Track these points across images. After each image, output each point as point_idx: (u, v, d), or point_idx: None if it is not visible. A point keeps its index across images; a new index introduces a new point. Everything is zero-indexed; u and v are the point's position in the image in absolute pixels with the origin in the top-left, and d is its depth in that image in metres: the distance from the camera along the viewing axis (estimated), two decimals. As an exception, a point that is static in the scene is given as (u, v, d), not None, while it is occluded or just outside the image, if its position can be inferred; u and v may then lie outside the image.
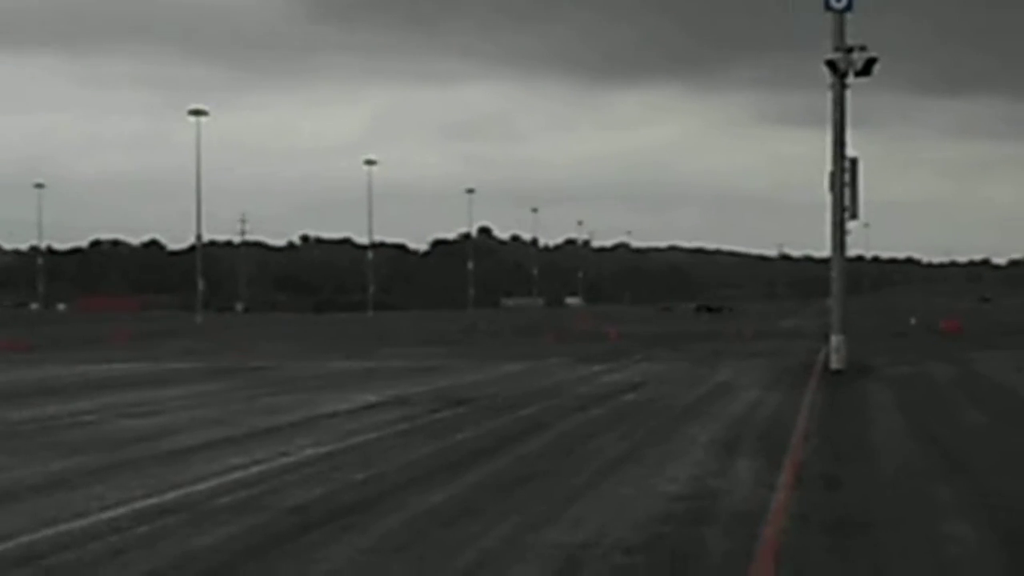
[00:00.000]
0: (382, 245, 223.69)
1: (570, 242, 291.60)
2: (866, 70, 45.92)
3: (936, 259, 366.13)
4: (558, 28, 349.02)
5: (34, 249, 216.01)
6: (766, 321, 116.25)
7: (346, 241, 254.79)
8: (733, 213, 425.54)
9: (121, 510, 17.38)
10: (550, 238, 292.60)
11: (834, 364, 46.42)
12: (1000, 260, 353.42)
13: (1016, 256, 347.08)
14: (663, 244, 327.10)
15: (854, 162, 47.26)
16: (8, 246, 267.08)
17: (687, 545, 15.17)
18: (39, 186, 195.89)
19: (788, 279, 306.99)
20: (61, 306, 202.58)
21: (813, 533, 15.77)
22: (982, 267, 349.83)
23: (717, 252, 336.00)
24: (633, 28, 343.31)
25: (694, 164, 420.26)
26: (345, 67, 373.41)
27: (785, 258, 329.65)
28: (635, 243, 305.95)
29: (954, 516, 16.95)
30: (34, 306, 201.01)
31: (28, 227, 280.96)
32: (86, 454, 23.43)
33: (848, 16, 46.10)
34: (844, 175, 46.97)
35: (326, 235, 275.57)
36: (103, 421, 29.71)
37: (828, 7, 46.10)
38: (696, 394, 36.58)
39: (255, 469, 21.28)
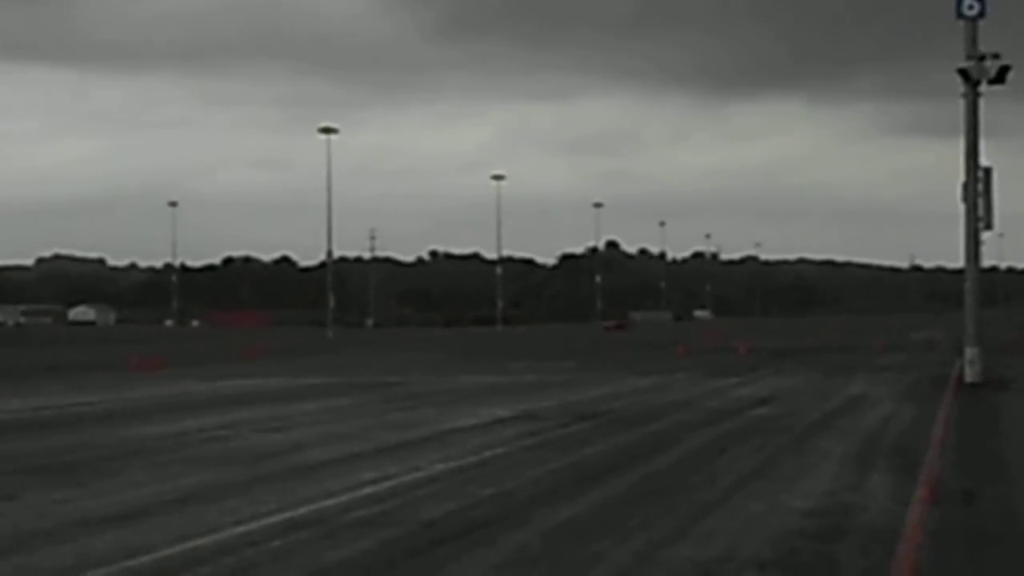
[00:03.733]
0: (510, 260, 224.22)
1: (698, 255, 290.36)
2: (1000, 78, 45.19)
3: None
4: (674, 41, 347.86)
5: (168, 266, 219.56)
6: (897, 333, 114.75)
7: (474, 256, 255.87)
8: (863, 224, 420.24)
9: (254, 524, 17.54)
10: (678, 251, 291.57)
11: (969, 377, 45.65)
12: None
13: None
14: (792, 256, 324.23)
15: (988, 172, 46.53)
16: (143, 263, 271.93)
17: (821, 562, 14.99)
18: (173, 204, 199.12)
19: (920, 291, 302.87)
20: (195, 322, 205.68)
21: (951, 550, 15.49)
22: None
23: (847, 264, 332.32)
24: (753, 39, 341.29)
25: (821, 175, 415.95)
26: (467, 84, 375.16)
27: (917, 269, 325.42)
28: (764, 256, 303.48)
29: (1096, 532, 16.56)
30: (168, 322, 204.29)
31: (162, 245, 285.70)
32: (220, 469, 23.70)
33: (980, 23, 45.41)
34: (978, 185, 46.27)
35: (455, 250, 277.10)
36: (236, 436, 30.04)
37: (960, 14, 45.44)
38: (827, 408, 36.19)
39: (386, 484, 21.38)
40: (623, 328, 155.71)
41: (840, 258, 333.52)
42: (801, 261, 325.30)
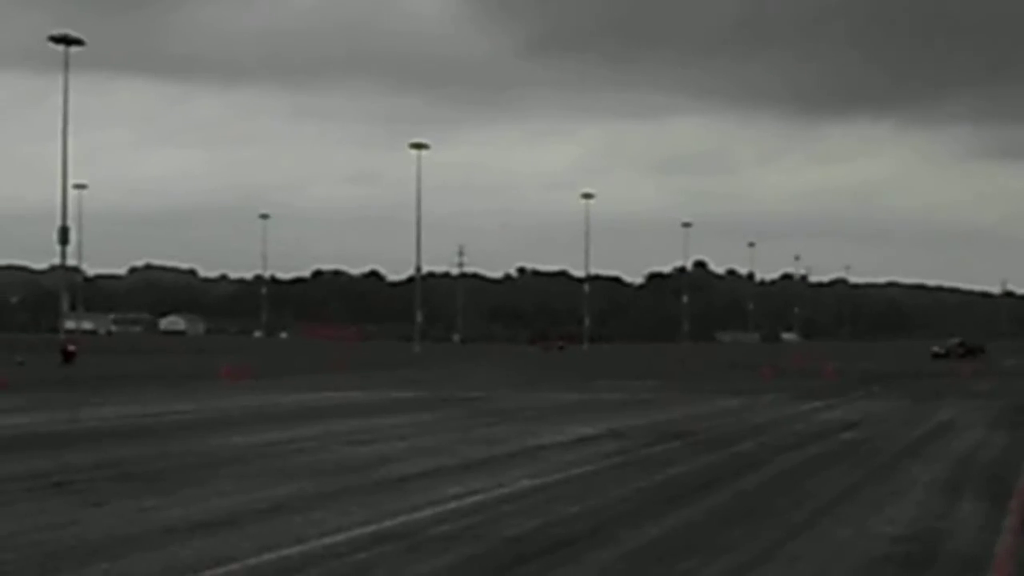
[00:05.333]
0: (597, 278, 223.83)
1: (787, 277, 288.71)
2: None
3: None
4: (766, 62, 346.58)
5: (258, 278, 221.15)
6: (987, 359, 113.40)
7: (562, 274, 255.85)
8: (954, 249, 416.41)
9: (340, 536, 17.63)
10: (766, 272, 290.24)
11: (1062, 405, 45.04)
12: None
13: None
14: (882, 280, 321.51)
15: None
16: (233, 275, 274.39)
17: (908, 588, 14.83)
18: (264, 217, 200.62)
19: (1012, 317, 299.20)
20: (283, 334, 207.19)
21: (1041, 579, 15.29)
22: None
23: (938, 288, 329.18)
24: (845, 61, 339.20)
25: (913, 198, 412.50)
26: (557, 102, 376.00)
27: (1009, 295, 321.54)
28: (853, 278, 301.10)
29: None
30: (257, 334, 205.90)
31: (253, 257, 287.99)
32: (307, 480, 23.84)
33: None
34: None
35: (542, 267, 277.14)
36: (323, 448, 30.21)
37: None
38: (916, 433, 35.84)
39: (471, 499, 21.42)
40: (549, 349, 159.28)
41: (931, 282, 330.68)
42: (891, 285, 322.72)
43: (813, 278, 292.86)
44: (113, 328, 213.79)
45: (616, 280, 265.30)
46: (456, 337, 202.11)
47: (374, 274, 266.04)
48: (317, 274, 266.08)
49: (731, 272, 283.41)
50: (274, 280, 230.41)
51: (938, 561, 16.41)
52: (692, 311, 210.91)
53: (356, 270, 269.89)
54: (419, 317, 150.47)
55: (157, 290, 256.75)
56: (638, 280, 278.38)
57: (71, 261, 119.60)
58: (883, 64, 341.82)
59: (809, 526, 19.00)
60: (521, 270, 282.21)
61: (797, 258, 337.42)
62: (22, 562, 15.92)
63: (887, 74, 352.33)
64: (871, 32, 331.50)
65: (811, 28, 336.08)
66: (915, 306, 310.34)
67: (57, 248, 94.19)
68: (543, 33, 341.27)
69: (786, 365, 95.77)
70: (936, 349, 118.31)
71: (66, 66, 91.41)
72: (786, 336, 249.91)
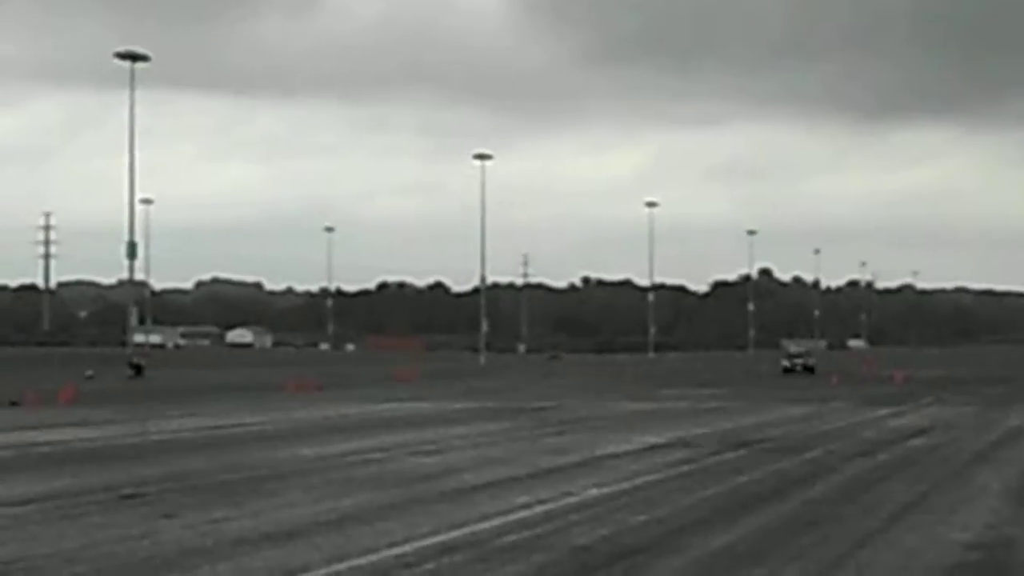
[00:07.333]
0: (662, 287, 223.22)
1: (853, 283, 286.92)
2: None
3: None
4: (827, 68, 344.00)
5: (324, 291, 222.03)
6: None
7: (626, 283, 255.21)
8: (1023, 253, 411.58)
9: (408, 547, 17.68)
10: (832, 279, 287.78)
11: None
12: None
13: None
14: (950, 285, 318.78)
15: None
16: (299, 288, 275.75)
17: (981, 595, 14.72)
18: (328, 229, 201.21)
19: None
20: (349, 346, 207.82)
21: (1116, 586, 15.13)
22: None
23: (1007, 294, 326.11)
24: (910, 64, 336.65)
25: (980, 203, 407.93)
26: (618, 110, 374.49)
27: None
28: (920, 284, 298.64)
29: None
30: (324, 346, 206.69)
31: (318, 269, 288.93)
32: (374, 491, 23.92)
33: None
34: None
35: (607, 277, 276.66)
36: (391, 459, 30.29)
37: None
38: (987, 440, 35.54)
39: (539, 508, 21.42)
40: (558, 359, 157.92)
41: (1000, 287, 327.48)
42: (959, 290, 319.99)
43: (880, 284, 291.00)
44: (181, 341, 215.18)
45: (681, 289, 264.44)
46: (521, 348, 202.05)
47: (439, 285, 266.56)
48: (382, 286, 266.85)
49: (796, 279, 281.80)
50: (339, 293, 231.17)
51: (1012, 569, 16.27)
52: (758, 319, 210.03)
53: (421, 281, 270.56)
54: (484, 327, 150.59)
55: (223, 303, 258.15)
56: (703, 288, 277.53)
57: (139, 275, 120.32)
58: (949, 68, 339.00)
59: (879, 534, 18.88)
60: (585, 280, 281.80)
61: (863, 264, 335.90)
62: (94, 575, 16.07)
63: (953, 78, 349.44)
64: (936, 35, 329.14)
65: (874, 33, 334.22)
66: (984, 312, 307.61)
67: (125, 263, 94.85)
68: (602, 42, 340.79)
69: (854, 372, 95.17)
70: (786, 364, 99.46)
71: (132, 82, 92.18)
72: (853, 343, 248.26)
